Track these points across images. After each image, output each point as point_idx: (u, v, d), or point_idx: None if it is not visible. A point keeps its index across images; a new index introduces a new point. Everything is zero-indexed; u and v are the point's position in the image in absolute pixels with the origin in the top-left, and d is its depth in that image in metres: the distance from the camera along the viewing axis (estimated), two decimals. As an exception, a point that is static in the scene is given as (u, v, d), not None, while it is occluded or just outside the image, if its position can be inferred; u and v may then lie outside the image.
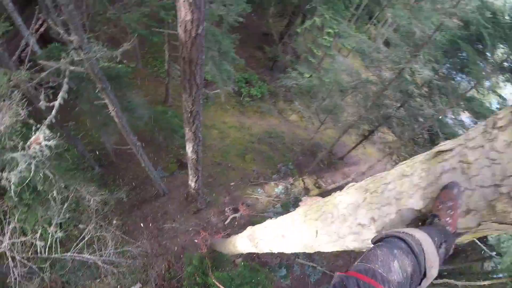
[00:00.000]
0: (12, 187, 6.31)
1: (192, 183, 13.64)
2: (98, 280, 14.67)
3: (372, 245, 1.66)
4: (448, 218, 1.61)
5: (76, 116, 17.74)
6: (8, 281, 9.44)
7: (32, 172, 6.10)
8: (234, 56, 15.98)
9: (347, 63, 27.18)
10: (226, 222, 16.04)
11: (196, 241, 15.46)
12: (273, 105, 23.49)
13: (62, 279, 13.07)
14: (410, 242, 1.48)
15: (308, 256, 16.78)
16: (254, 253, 15.54)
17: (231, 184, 17.60)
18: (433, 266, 1.49)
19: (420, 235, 1.54)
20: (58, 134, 7.20)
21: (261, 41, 26.78)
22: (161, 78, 21.70)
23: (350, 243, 2.76)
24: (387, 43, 19.62)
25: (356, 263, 1.50)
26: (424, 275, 1.50)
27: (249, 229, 6.62)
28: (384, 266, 1.38)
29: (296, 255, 16.54)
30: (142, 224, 15.86)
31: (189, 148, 10.69)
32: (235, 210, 16.25)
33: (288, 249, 4.63)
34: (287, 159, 20.00)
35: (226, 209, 16.18)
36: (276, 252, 5.25)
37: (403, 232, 1.57)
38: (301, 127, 23.32)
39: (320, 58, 23.52)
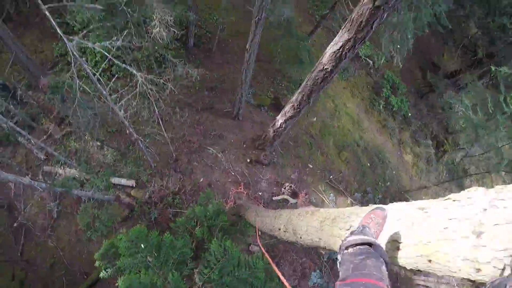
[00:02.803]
0: None
1: (280, 120, 8.58)
2: (98, 144, 10.26)
3: (345, 249, 1.72)
4: (375, 231, 1.76)
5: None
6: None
7: None
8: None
9: None
10: (275, 198, 10.80)
11: (229, 190, 10.42)
12: (398, 129, 17.54)
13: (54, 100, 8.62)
14: (382, 252, 1.59)
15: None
16: (277, 254, 10.28)
17: (309, 165, 12.26)
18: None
19: (386, 257, 1.62)
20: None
21: (426, 66, 20.88)
22: (314, 19, 16.80)
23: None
24: None
25: (350, 273, 1.53)
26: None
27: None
28: (376, 269, 1.46)
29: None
30: (187, 127, 11.13)
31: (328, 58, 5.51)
32: (294, 195, 10.93)
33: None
34: (378, 189, 14.23)
35: (286, 185, 10.91)
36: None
37: (373, 240, 1.65)
38: (408, 171, 17.32)
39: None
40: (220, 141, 11.26)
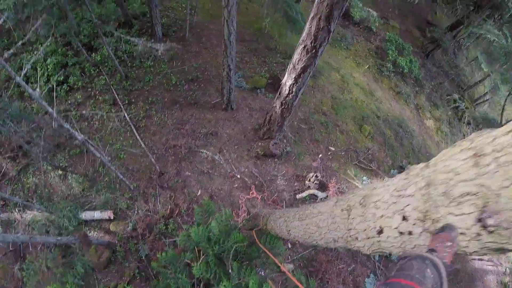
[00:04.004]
0: None
1: (288, 81, 5.67)
2: (60, 174, 7.35)
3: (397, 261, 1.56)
4: (445, 254, 1.42)
5: None
6: None
7: None
8: None
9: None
10: (299, 196, 7.76)
11: (237, 199, 7.40)
12: (413, 94, 14.58)
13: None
14: (435, 259, 1.34)
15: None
16: (319, 269, 7.19)
17: (330, 148, 9.25)
18: (445, 281, 1.31)
19: (435, 258, 1.37)
20: None
21: (423, 26, 18.16)
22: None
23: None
24: None
25: (392, 273, 1.35)
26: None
27: None
28: (419, 273, 1.27)
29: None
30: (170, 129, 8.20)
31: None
32: (322, 187, 7.90)
33: None
34: (411, 162, 11.18)
35: (311, 175, 7.87)
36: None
37: (430, 256, 1.37)
38: (432, 138, 14.34)
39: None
40: (214, 139, 8.26)
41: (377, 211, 1.66)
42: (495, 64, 14.93)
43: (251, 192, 7.63)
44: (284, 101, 6.31)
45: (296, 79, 5.36)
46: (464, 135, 16.15)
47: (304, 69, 5.03)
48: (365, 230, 1.79)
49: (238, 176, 7.79)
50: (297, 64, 5.01)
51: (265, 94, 9.74)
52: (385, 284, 1.26)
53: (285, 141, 8.54)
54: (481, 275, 10.90)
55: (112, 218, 6.92)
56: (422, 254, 1.40)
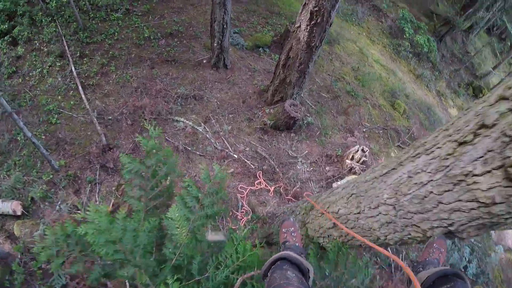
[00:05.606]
0: None
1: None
2: None
3: (263, 279, 1.47)
4: (294, 239, 1.65)
5: None
6: None
7: None
8: None
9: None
10: (336, 185, 4.34)
11: (235, 191, 4.01)
12: (433, 79, 11.54)
13: None
14: (288, 256, 1.43)
15: None
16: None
17: (364, 123, 5.97)
18: (309, 266, 1.43)
19: (289, 252, 1.48)
20: None
21: (428, 14, 15.27)
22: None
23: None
24: None
25: None
26: (308, 271, 1.42)
27: None
28: (282, 279, 1.27)
29: None
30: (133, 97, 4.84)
31: None
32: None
33: None
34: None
35: (354, 151, 4.49)
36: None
37: (279, 255, 1.47)
38: (459, 130, 10.96)
39: None
40: (198, 105, 4.98)
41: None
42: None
43: (257, 181, 4.31)
44: (316, 8, 3.08)
45: None
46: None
47: None
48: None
49: (235, 157, 4.47)
50: None
51: (271, 54, 6.52)
52: None
53: (304, 110, 5.28)
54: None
55: (18, 213, 3.54)
56: (279, 262, 1.40)
